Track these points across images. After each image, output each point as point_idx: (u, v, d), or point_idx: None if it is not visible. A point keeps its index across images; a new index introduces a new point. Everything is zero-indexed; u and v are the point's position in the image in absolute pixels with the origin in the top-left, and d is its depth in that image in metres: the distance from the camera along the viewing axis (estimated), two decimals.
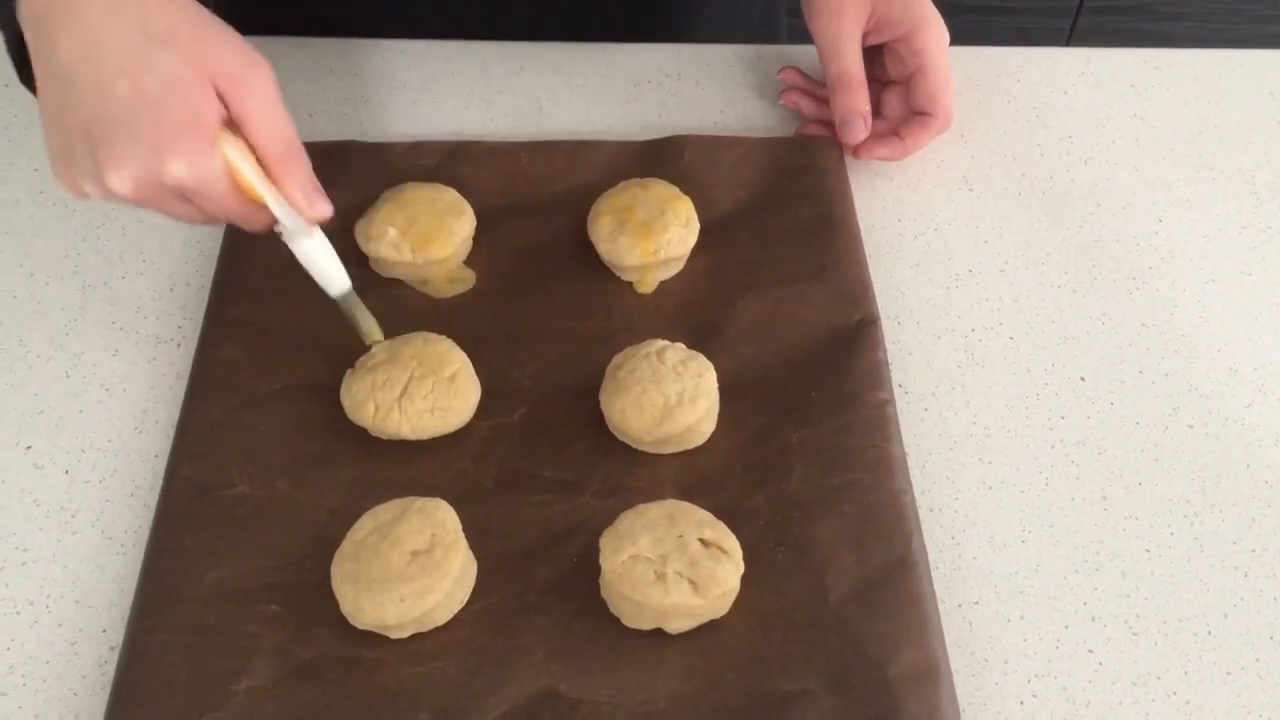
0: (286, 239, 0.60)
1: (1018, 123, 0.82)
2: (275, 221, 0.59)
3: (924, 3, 0.75)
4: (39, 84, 0.57)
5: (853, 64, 0.75)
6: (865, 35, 0.76)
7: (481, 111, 0.81)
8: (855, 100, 0.75)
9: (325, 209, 0.59)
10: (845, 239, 0.72)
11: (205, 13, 0.57)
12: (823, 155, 0.76)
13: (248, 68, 0.56)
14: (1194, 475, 0.64)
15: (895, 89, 0.78)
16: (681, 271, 0.71)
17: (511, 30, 0.85)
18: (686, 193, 0.71)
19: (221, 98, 0.56)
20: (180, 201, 0.57)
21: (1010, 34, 1.82)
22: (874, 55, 0.77)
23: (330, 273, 0.61)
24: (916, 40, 0.74)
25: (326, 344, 0.66)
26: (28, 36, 0.56)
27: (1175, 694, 0.56)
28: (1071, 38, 1.86)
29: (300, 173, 0.58)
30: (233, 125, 0.57)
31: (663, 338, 0.65)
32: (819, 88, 0.80)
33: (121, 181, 0.55)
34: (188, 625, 0.56)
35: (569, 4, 0.86)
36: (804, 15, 0.78)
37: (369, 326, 0.63)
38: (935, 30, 0.75)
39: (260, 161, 0.57)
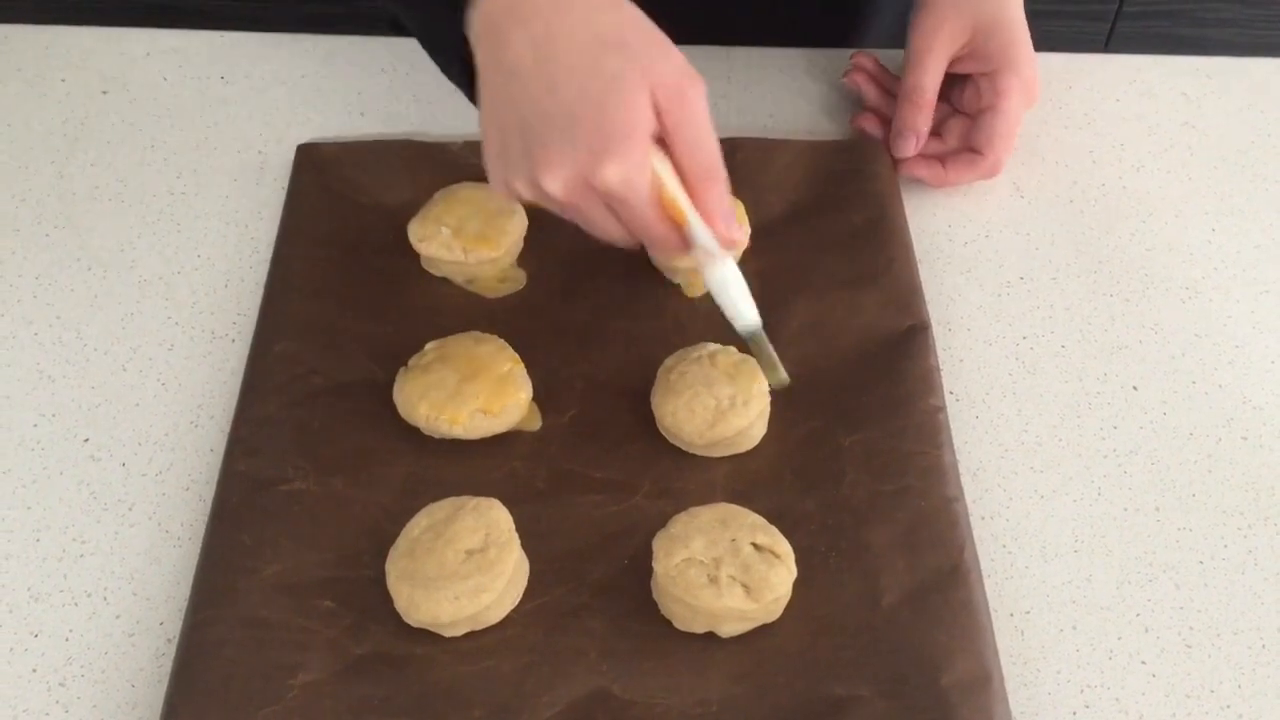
0: (700, 266, 0.58)
1: (1069, 130, 0.81)
2: (686, 247, 0.57)
3: (1022, 52, 0.74)
4: (484, 82, 0.57)
5: (929, 81, 0.75)
6: (956, 61, 0.76)
7: None
8: (917, 118, 0.75)
9: (741, 236, 0.59)
10: (896, 244, 0.71)
11: (649, 22, 0.57)
12: (874, 159, 0.76)
13: (686, 82, 0.55)
14: (1248, 487, 0.64)
15: (962, 120, 0.77)
16: None
17: None
18: (738, 195, 0.70)
19: (656, 109, 0.55)
20: (603, 211, 0.56)
21: (1047, 38, 1.81)
22: (956, 83, 0.77)
23: (739, 305, 0.58)
24: (1000, 80, 0.74)
25: (379, 342, 0.67)
26: (477, 39, 0.57)
27: (1229, 707, 0.56)
28: (1109, 43, 1.85)
29: (721, 196, 0.57)
30: (659, 140, 0.55)
31: (713, 340, 0.65)
32: (886, 77, 0.80)
33: (553, 182, 0.54)
34: (245, 619, 0.56)
35: None
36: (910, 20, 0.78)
37: (774, 368, 0.59)
38: (1022, 79, 0.74)
39: (683, 179, 0.56)
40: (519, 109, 0.55)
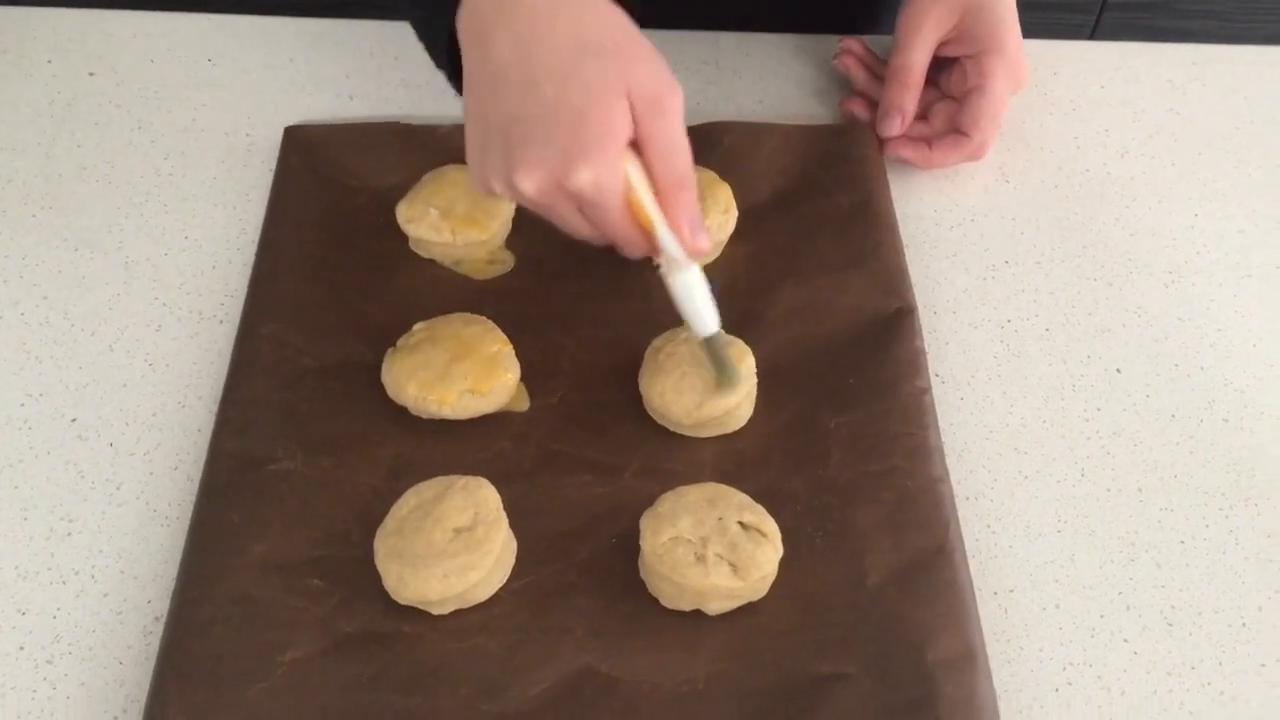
0: (663, 271, 0.59)
1: (1054, 116, 0.82)
2: (654, 251, 0.58)
3: (1009, 36, 0.75)
4: (468, 80, 0.58)
5: (916, 61, 0.75)
6: (945, 44, 0.76)
7: None
8: (904, 97, 0.75)
9: (706, 244, 0.59)
10: (883, 228, 0.72)
11: (633, 27, 0.57)
12: (861, 143, 0.76)
13: (664, 91, 0.56)
14: (1229, 468, 0.64)
15: (949, 104, 0.77)
16: (719, 258, 0.71)
17: None
18: (725, 179, 0.71)
19: (633, 116, 0.55)
20: (574, 211, 0.57)
21: (1032, 29, 1.82)
22: (944, 67, 0.78)
23: (701, 311, 0.60)
24: (986, 61, 0.74)
25: (367, 323, 0.67)
26: (464, 38, 0.58)
27: (1210, 684, 0.57)
28: (1095, 34, 1.86)
29: (690, 204, 0.58)
30: (633, 145, 0.56)
31: None
32: (875, 61, 0.80)
33: (527, 182, 0.55)
34: (233, 597, 0.56)
35: None
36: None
37: (733, 373, 0.61)
38: (1008, 61, 0.75)
39: (654, 185, 0.57)
40: (501, 109, 0.56)
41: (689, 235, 0.58)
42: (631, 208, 0.57)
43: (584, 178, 0.54)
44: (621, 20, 0.57)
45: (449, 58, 0.61)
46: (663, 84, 0.56)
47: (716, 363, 0.61)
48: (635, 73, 0.55)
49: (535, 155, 0.55)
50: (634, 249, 0.59)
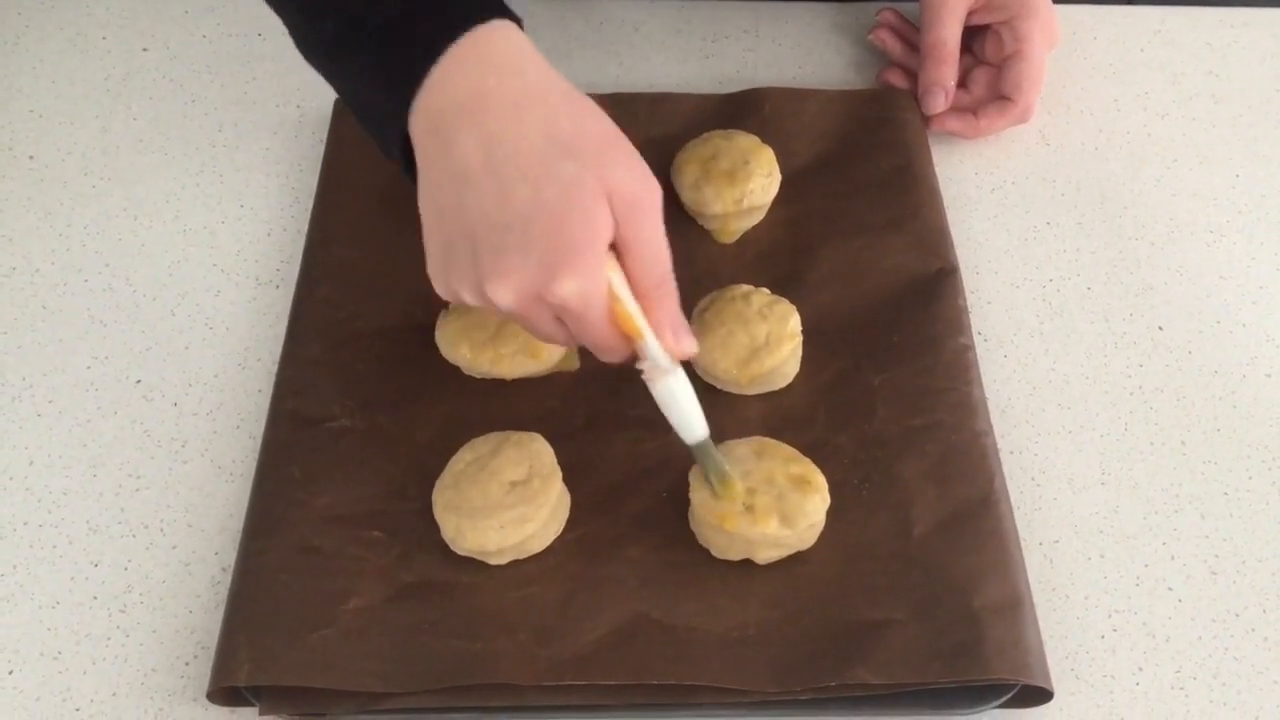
0: (647, 377, 0.55)
1: (1094, 79, 0.82)
2: (634, 357, 0.55)
3: None
4: (425, 179, 0.53)
5: (949, 35, 0.76)
6: (973, 13, 0.77)
7: (562, 65, 0.80)
8: (942, 73, 0.76)
9: (691, 346, 0.55)
10: (924, 190, 0.73)
11: (607, 120, 0.53)
12: (902, 107, 0.77)
13: (643, 189, 0.52)
14: (1273, 421, 0.65)
15: (987, 70, 0.78)
16: (762, 221, 0.72)
17: None
18: (767, 144, 0.72)
19: (613, 218, 0.51)
20: (552, 320, 0.54)
21: None
22: (977, 33, 0.78)
23: (688, 416, 0.56)
24: (1020, 26, 0.75)
25: (419, 285, 0.68)
26: (419, 134, 0.53)
27: (1254, 630, 0.58)
28: None
29: (672, 307, 0.54)
30: (611, 247, 0.52)
31: (745, 283, 0.66)
32: (912, 32, 0.81)
33: (503, 293, 0.51)
34: (297, 547, 0.58)
35: None
36: None
37: (722, 478, 0.57)
38: (1042, 22, 0.75)
39: (634, 290, 0.53)
40: (466, 214, 0.51)
41: (673, 339, 0.55)
42: (612, 314, 0.53)
43: (567, 288, 0.51)
44: (596, 114, 0.53)
45: (402, 153, 0.55)
46: (642, 183, 0.52)
47: (708, 468, 0.57)
48: (614, 172, 0.51)
49: (511, 264, 0.51)
50: (613, 356, 0.56)
